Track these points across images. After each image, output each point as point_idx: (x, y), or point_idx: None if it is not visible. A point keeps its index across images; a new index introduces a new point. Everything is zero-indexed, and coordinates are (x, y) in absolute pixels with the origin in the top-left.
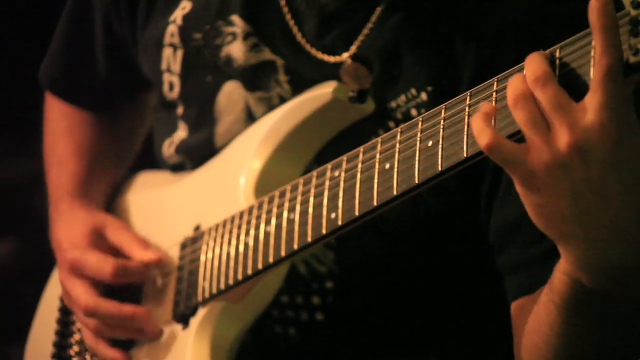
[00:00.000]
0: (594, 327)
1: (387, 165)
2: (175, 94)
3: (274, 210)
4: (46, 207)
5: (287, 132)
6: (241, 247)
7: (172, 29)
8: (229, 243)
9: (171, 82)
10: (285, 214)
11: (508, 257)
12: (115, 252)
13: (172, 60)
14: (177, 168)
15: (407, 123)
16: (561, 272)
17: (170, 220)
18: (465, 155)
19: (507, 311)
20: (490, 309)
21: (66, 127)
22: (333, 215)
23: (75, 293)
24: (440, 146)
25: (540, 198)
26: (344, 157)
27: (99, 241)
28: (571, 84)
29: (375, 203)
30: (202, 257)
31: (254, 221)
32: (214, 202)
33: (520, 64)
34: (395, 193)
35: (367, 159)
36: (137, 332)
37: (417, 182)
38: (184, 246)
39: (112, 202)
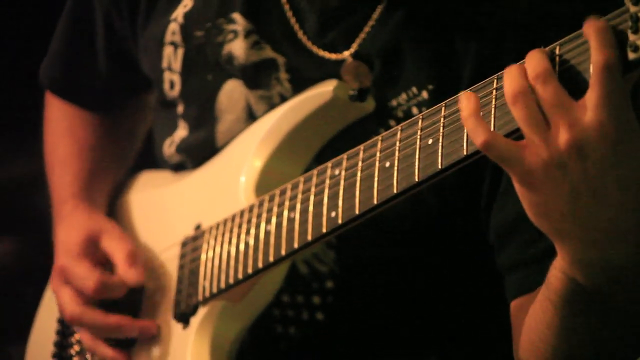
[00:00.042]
0: (592, 326)
1: (388, 164)
2: (175, 92)
3: (275, 209)
4: (46, 207)
5: (288, 131)
6: (242, 246)
7: (173, 27)
8: (230, 242)
9: (172, 81)
10: (285, 212)
11: (507, 256)
12: (107, 260)
13: (172, 58)
14: (178, 167)
15: (407, 121)
16: (558, 269)
17: (171, 219)
18: (465, 153)
19: (506, 311)
20: (490, 309)
21: (67, 128)
22: (333, 214)
23: (62, 301)
24: (440, 144)
25: (538, 196)
26: (344, 156)
27: (94, 249)
28: (571, 81)
29: (375, 201)
30: (203, 256)
31: (254, 220)
32: (214, 201)
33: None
34: (395, 191)
35: (368, 157)
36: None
37: (417, 180)
38: (184, 245)
39: (113, 202)
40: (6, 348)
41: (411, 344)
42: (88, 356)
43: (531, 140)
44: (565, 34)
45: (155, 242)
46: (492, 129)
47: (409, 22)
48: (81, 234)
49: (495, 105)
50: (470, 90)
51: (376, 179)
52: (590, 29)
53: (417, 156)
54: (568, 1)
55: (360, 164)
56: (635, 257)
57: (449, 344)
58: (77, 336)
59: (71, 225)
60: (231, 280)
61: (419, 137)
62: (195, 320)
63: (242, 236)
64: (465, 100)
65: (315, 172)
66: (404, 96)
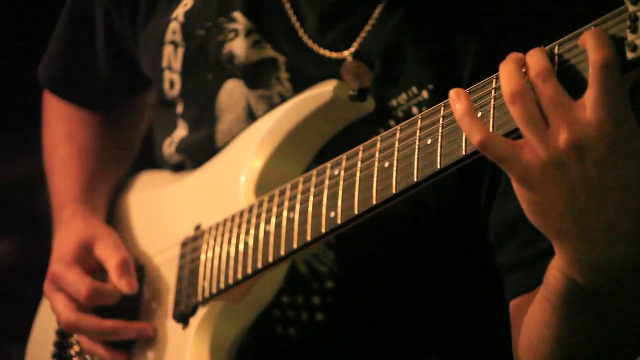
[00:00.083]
0: (591, 326)
1: (387, 164)
2: (175, 92)
3: (274, 209)
4: (46, 207)
5: (288, 131)
6: (241, 246)
7: (174, 26)
8: (229, 242)
9: (172, 80)
10: (285, 213)
11: (507, 255)
12: (100, 267)
13: (172, 58)
14: (178, 167)
15: (407, 121)
16: (556, 269)
17: (170, 219)
18: (463, 153)
19: (506, 311)
20: (490, 308)
21: (67, 129)
22: (332, 214)
23: (56, 307)
24: (439, 144)
25: (536, 196)
26: (344, 156)
27: (87, 256)
28: (570, 81)
29: (374, 202)
30: (203, 257)
31: (254, 220)
32: (214, 201)
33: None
34: (394, 191)
35: (367, 157)
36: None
37: (416, 180)
38: (184, 245)
39: (113, 203)
40: (6, 348)
41: (411, 344)
42: (88, 356)
43: (529, 140)
44: (565, 33)
45: (155, 242)
46: (491, 129)
47: (409, 22)
48: (75, 241)
49: (494, 105)
50: (469, 90)
51: (375, 179)
52: (587, 33)
53: (416, 156)
54: (568, 1)
55: (359, 164)
56: (634, 257)
57: (449, 344)
58: (76, 336)
59: (67, 231)
60: (230, 281)
61: (417, 137)
62: (194, 321)
63: (242, 236)
64: (456, 100)
65: (314, 172)
66: (404, 96)
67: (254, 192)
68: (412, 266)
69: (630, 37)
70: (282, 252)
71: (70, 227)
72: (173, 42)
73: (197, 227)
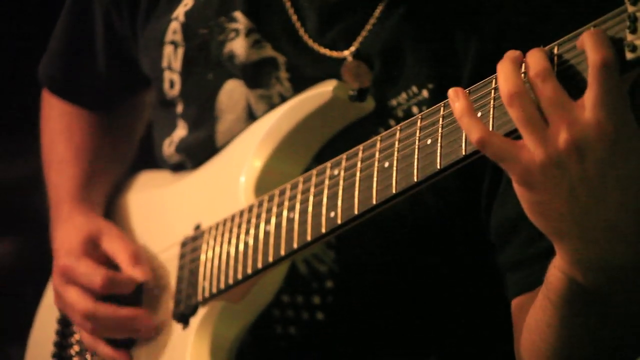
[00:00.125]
0: (592, 326)
1: (387, 164)
2: (175, 91)
3: (274, 209)
4: (46, 207)
5: (288, 131)
6: (241, 246)
7: (174, 26)
8: (229, 242)
9: (172, 80)
10: (285, 213)
11: (508, 255)
12: (108, 261)
13: (172, 58)
14: (178, 167)
15: (406, 121)
16: (557, 269)
17: (170, 219)
18: (463, 153)
19: (507, 311)
20: (490, 308)
21: (65, 127)
22: (332, 214)
23: (71, 299)
24: (439, 144)
25: (537, 196)
26: (344, 156)
27: (93, 249)
28: (570, 81)
29: (374, 202)
30: (203, 257)
31: (254, 220)
32: (214, 201)
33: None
34: (394, 191)
35: (366, 157)
36: (135, 332)
37: (416, 180)
38: (184, 245)
39: (112, 203)
40: (5, 348)
41: (411, 344)
42: (88, 356)
43: (528, 140)
44: (565, 33)
45: (154, 242)
46: (490, 129)
47: (409, 21)
48: (81, 235)
49: (493, 105)
50: (468, 90)
51: (375, 179)
52: (586, 33)
53: (416, 156)
54: (568, 1)
55: (359, 164)
56: (635, 257)
57: (449, 344)
58: (76, 336)
59: (69, 227)
60: (231, 281)
61: (417, 137)
62: (194, 321)
63: (242, 236)
64: (455, 99)
65: (314, 172)
66: (404, 95)
67: (253, 192)
68: (412, 266)
69: (629, 37)
70: (282, 252)
71: (72, 223)
72: (173, 42)
73: (197, 227)
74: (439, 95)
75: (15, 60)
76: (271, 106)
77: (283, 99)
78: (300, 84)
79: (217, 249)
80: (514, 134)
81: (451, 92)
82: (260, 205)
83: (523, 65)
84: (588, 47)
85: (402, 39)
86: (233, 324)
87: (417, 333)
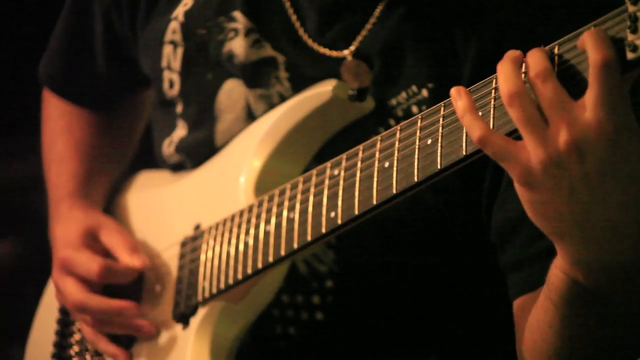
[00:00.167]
0: (593, 326)
1: (387, 164)
2: (175, 91)
3: (274, 209)
4: (46, 207)
5: (287, 130)
6: (241, 246)
7: (174, 26)
8: (229, 242)
9: (171, 80)
10: (285, 213)
11: (510, 255)
12: (107, 254)
13: (172, 57)
14: (177, 167)
15: (407, 121)
16: (558, 269)
17: (170, 219)
18: (464, 153)
19: (507, 311)
20: (490, 308)
21: (65, 126)
22: (333, 214)
23: (66, 290)
24: (439, 144)
25: (537, 196)
26: (344, 156)
27: (93, 242)
28: (570, 81)
29: (374, 202)
30: (202, 257)
31: (254, 220)
32: (214, 201)
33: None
34: (394, 192)
35: (367, 157)
36: (132, 328)
37: (416, 180)
38: (184, 245)
39: (112, 202)
40: (5, 348)
41: (411, 344)
42: (88, 356)
43: (528, 140)
44: (565, 33)
45: (154, 242)
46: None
47: (409, 21)
48: (80, 228)
49: (494, 105)
50: (469, 89)
51: (375, 179)
52: (587, 33)
53: (416, 156)
54: (568, 1)
55: (359, 164)
56: (635, 256)
57: (449, 344)
58: (76, 337)
59: (69, 222)
60: (231, 281)
61: (418, 137)
62: (194, 321)
63: (242, 236)
64: (458, 98)
65: (314, 172)
66: (403, 95)
67: (253, 192)
68: (412, 266)
69: (630, 37)
70: (283, 252)
71: (71, 218)
72: (172, 42)
73: (197, 227)
74: (438, 95)
75: (15, 60)
76: (270, 106)
77: (282, 98)
78: (299, 84)
79: (217, 249)
80: (514, 134)
81: (453, 90)
82: (260, 205)
83: (523, 65)
84: (589, 46)
85: (402, 38)
86: (233, 324)
87: (417, 333)
